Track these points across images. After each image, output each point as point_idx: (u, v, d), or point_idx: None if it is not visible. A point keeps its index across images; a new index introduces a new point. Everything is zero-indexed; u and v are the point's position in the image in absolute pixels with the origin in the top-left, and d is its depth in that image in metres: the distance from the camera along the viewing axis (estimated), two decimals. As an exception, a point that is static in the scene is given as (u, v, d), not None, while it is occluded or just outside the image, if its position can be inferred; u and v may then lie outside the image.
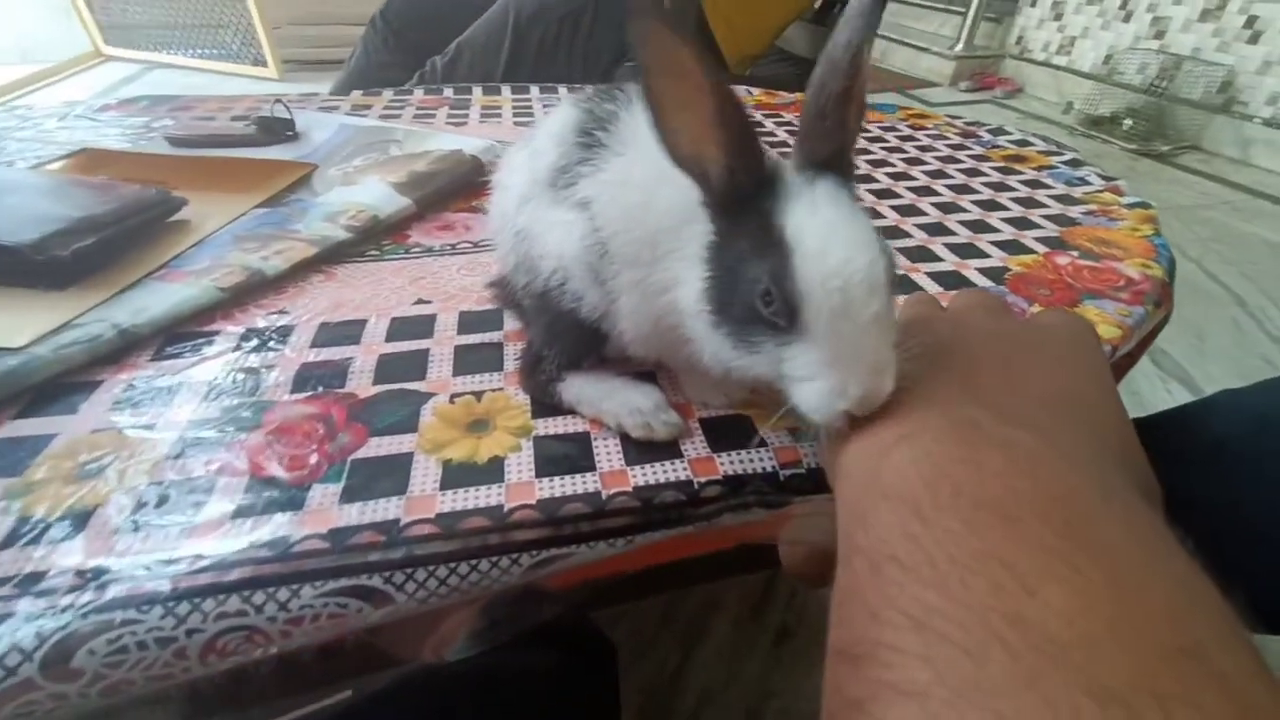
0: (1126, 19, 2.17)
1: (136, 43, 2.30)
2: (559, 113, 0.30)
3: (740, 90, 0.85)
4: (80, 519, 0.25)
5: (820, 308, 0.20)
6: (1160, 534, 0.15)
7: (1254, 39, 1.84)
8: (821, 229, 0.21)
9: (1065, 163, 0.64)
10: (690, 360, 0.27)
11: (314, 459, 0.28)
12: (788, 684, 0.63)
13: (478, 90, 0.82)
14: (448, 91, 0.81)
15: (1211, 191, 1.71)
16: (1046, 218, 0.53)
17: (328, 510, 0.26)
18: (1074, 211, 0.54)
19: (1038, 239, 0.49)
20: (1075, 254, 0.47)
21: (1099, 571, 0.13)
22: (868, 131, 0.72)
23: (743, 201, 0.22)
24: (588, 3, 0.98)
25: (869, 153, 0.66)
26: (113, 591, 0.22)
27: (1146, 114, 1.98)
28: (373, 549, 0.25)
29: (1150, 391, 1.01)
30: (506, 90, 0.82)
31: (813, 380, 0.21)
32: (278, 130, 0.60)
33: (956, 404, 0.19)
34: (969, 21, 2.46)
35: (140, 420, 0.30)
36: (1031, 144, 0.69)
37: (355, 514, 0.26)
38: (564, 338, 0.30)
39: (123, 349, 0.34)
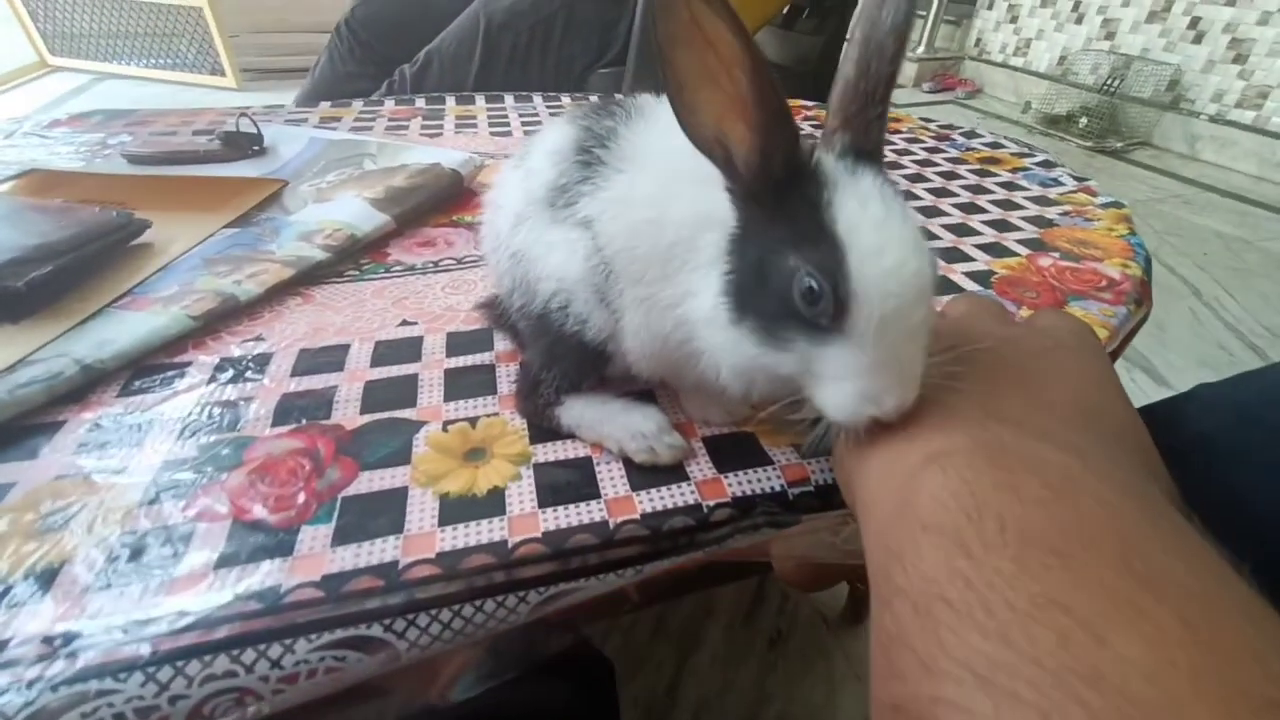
0: (1078, 21, 2.25)
1: (85, 52, 2.21)
2: (555, 130, 0.29)
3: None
4: (45, 578, 0.23)
5: (872, 313, 0.19)
6: (1210, 556, 0.14)
7: (1198, 39, 1.93)
8: (877, 227, 0.20)
9: (1038, 164, 0.66)
10: (697, 379, 0.26)
11: (301, 498, 0.26)
12: (782, 688, 0.63)
13: (451, 100, 0.80)
14: (420, 102, 0.79)
15: (1163, 186, 1.79)
16: (1025, 219, 0.54)
17: (319, 555, 0.24)
18: (1050, 213, 0.55)
19: (1019, 241, 0.50)
20: (1056, 255, 0.47)
21: (1167, 611, 0.12)
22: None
23: (776, 188, 0.21)
24: (559, 10, 0.97)
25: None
26: (85, 659, 0.21)
27: (1100, 112, 2.06)
28: (371, 595, 0.23)
29: (1118, 382, 1.05)
30: (481, 100, 0.81)
31: (844, 381, 0.20)
32: (244, 145, 0.58)
33: (979, 421, 0.19)
34: (929, 24, 2.53)
35: (109, 463, 0.28)
36: (1004, 146, 0.71)
37: (350, 557, 0.24)
38: (564, 360, 0.29)
39: (86, 386, 0.32)
